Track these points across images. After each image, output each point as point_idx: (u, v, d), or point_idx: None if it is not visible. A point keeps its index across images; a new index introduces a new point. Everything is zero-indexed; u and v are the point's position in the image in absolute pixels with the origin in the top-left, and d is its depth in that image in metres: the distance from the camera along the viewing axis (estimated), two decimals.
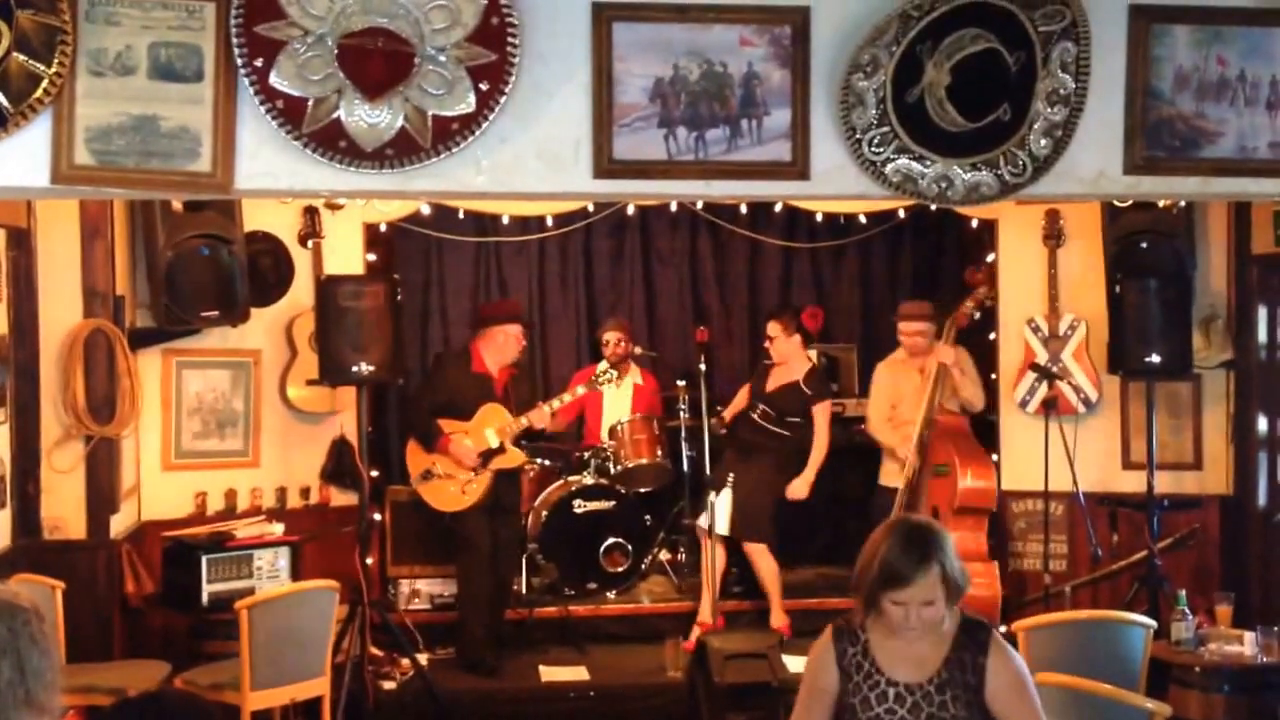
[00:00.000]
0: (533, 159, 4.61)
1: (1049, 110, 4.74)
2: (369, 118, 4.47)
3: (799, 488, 7.97)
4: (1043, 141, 4.77)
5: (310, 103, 4.44)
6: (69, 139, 4.36)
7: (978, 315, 7.89)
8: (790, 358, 8.03)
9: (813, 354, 8.54)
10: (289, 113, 4.43)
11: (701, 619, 7.90)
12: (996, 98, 4.72)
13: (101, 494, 6.81)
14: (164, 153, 4.43)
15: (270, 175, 4.52)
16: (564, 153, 4.62)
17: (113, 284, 6.86)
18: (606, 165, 4.63)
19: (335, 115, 4.45)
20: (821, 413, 8.01)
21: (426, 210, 8.32)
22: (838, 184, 4.76)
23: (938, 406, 7.70)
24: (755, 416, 8.04)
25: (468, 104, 4.50)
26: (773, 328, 8.08)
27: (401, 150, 4.50)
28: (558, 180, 4.65)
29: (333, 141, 4.46)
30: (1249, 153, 4.88)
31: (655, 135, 4.64)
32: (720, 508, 7.80)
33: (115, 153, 4.40)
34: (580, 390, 8.02)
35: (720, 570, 7.83)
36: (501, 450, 7.54)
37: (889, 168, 4.72)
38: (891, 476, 7.88)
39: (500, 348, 7.63)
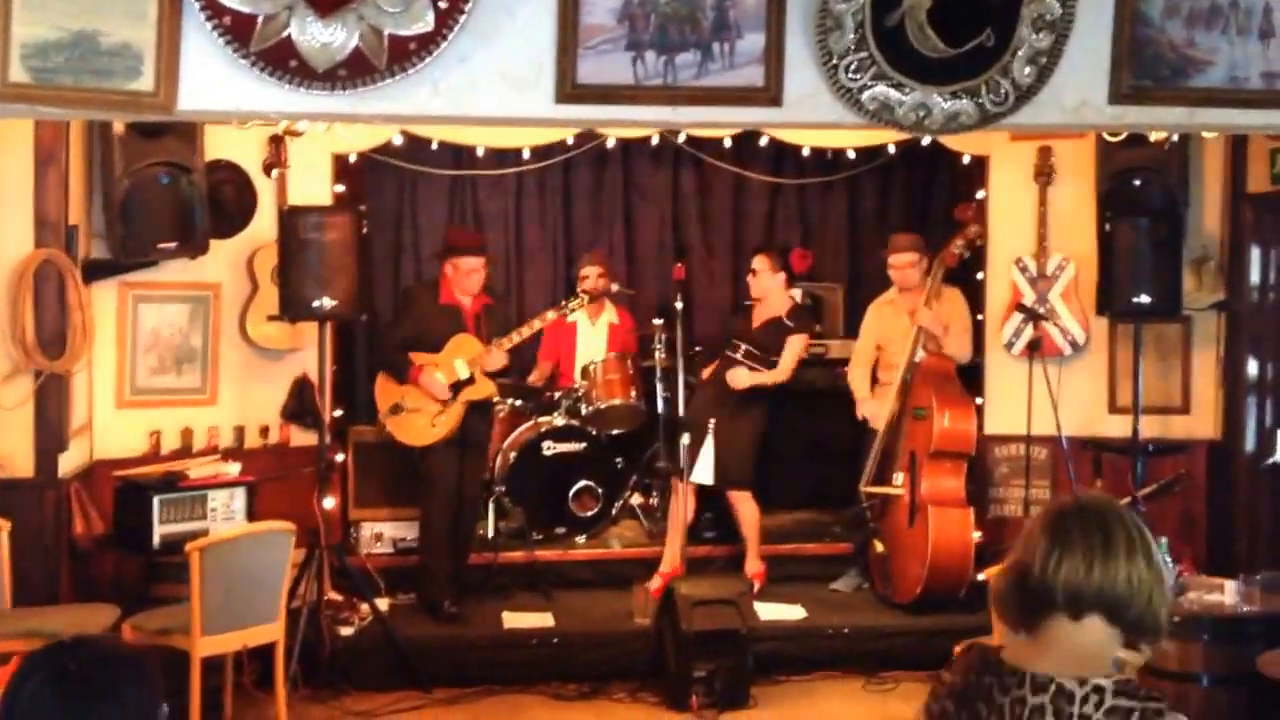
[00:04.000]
0: (492, 81, 4.43)
1: (1034, 36, 4.55)
2: (321, 36, 4.27)
3: (740, 377, 7.71)
4: (1027, 69, 4.57)
5: (259, 19, 4.25)
6: (3, 56, 4.15)
7: (967, 255, 7.70)
8: (770, 294, 7.83)
9: (796, 294, 8.34)
10: (236, 30, 4.24)
11: (664, 569, 7.74)
12: (980, 23, 4.52)
13: (50, 431, 6.59)
14: (104, 70, 4.23)
15: (216, 96, 4.34)
16: (525, 75, 4.43)
17: (65, 213, 6.62)
18: (570, 89, 4.44)
19: (286, 33, 4.26)
20: (795, 343, 7.78)
21: (399, 141, 8.05)
22: (811, 111, 4.58)
23: (923, 348, 7.55)
24: (738, 358, 7.80)
25: (425, 23, 4.31)
26: (759, 261, 7.87)
27: (355, 71, 4.30)
28: (518, 104, 4.46)
29: (283, 61, 4.27)
30: (1240, 83, 4.68)
31: (622, 59, 4.45)
32: (703, 456, 7.61)
33: (53, 70, 4.20)
34: (550, 315, 7.75)
35: (690, 518, 7.67)
36: (472, 381, 7.36)
37: (865, 95, 4.53)
38: (880, 420, 7.71)
39: (453, 278, 7.43)
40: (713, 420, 7.66)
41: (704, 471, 7.63)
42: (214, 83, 4.28)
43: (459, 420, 7.35)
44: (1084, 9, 4.53)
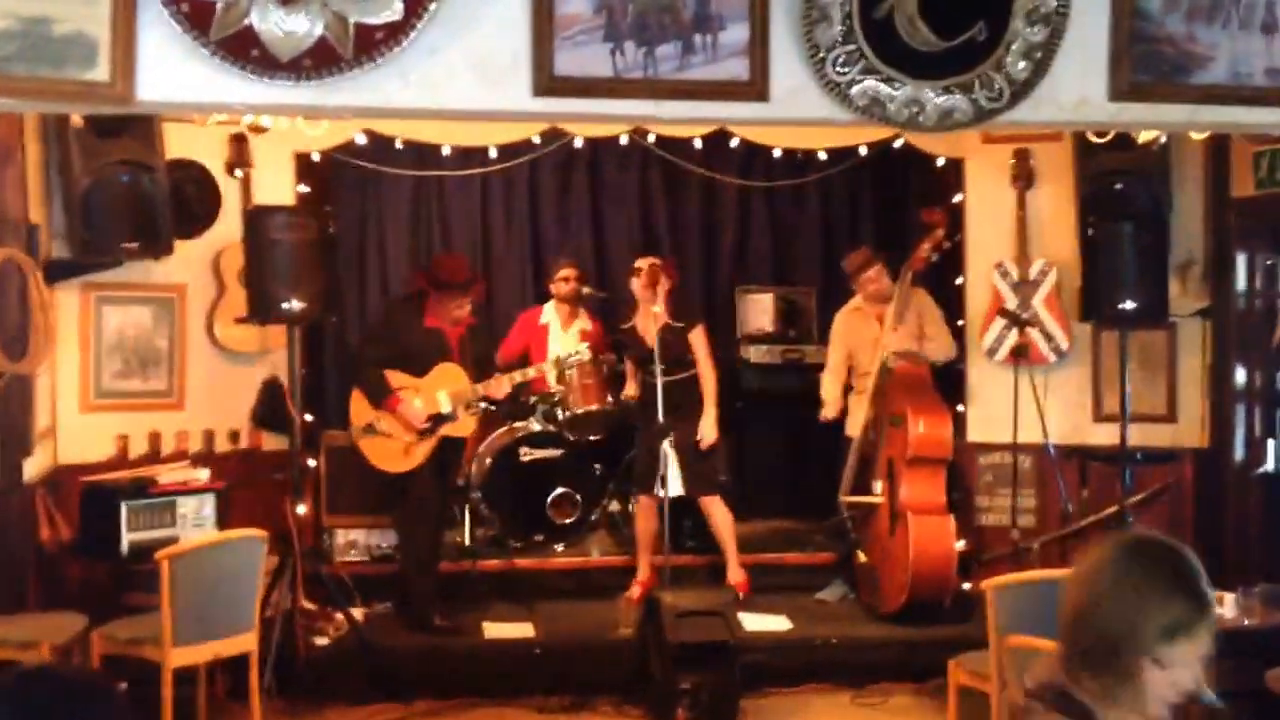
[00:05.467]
0: (465, 73, 4.28)
1: (1028, 30, 4.42)
2: (285, 24, 4.11)
3: (708, 431, 7.54)
4: (1021, 64, 4.44)
5: (219, 6, 4.10)
6: None
7: (935, 258, 7.55)
8: (646, 301, 7.57)
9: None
10: (196, 17, 4.08)
11: (640, 578, 7.63)
12: (971, 15, 4.39)
13: (14, 435, 6.41)
14: (57, 59, 4.05)
15: (175, 87, 4.18)
16: (500, 67, 4.28)
17: (26, 212, 6.44)
18: (547, 82, 4.29)
19: (247, 21, 4.11)
20: (698, 339, 7.60)
21: (362, 140, 7.86)
22: (799, 106, 4.43)
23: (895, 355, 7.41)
24: (660, 381, 7.37)
25: (394, 11, 4.16)
26: (651, 262, 7.66)
27: (320, 61, 4.14)
28: (493, 97, 4.31)
29: (244, 50, 4.11)
30: (1242, 79, 4.56)
31: (600, 50, 4.30)
32: (671, 468, 7.36)
33: (2, 58, 4.02)
34: (545, 368, 7.70)
35: (655, 527, 7.51)
36: (453, 417, 7.13)
37: (855, 90, 4.39)
38: (857, 427, 7.57)
39: (442, 311, 7.19)
40: (672, 434, 7.37)
41: (674, 483, 7.40)
42: (173, 73, 4.13)
43: (432, 451, 7.12)
44: (1079, 2, 4.41)
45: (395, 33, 4.14)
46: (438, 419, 7.08)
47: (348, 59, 4.12)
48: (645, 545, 7.65)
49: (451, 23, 4.19)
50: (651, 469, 7.38)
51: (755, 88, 4.36)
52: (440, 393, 7.08)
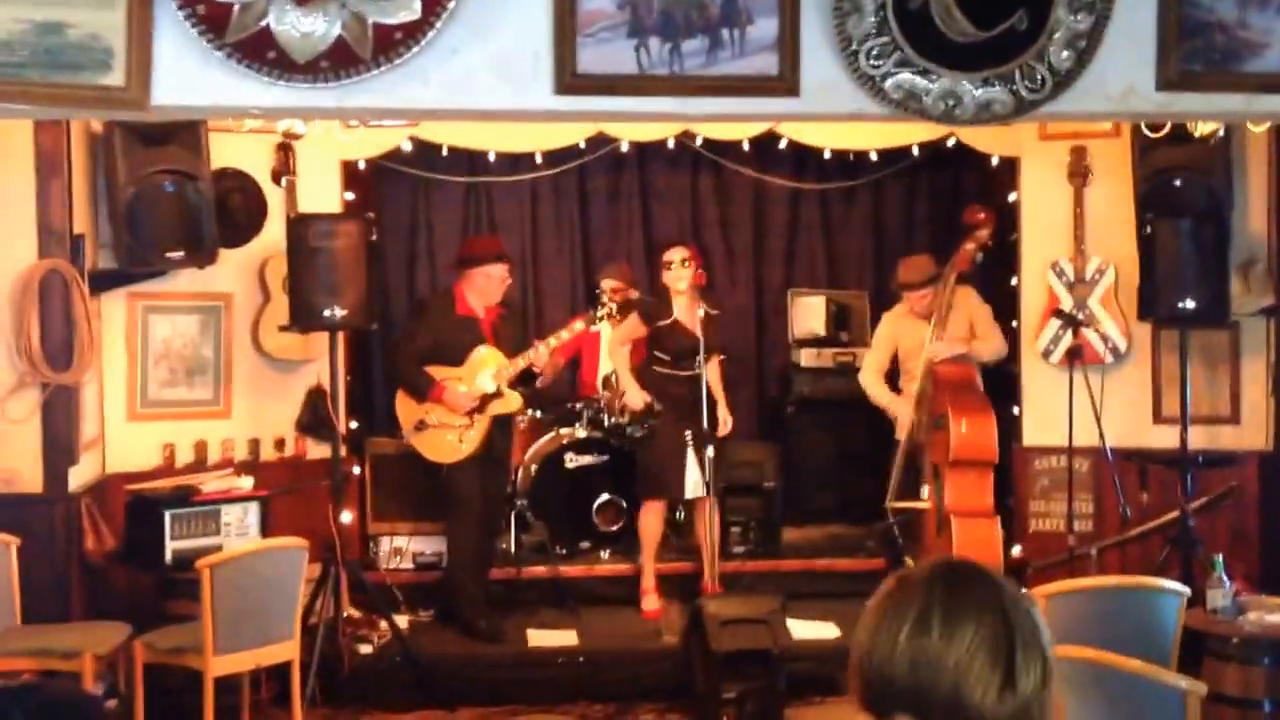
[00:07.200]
0: (486, 73, 4.19)
1: (1071, 18, 4.26)
2: (301, 25, 4.04)
3: (728, 417, 7.58)
4: (1064, 53, 4.28)
5: (235, 8, 4.03)
6: None
7: (980, 257, 7.37)
8: (682, 290, 7.46)
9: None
10: (211, 20, 4.02)
11: (649, 585, 7.59)
12: (1011, 4, 4.23)
13: (59, 445, 6.46)
14: (72, 64, 4.00)
15: (191, 91, 4.12)
16: (521, 65, 4.19)
17: (70, 222, 6.47)
18: (569, 80, 4.19)
19: (264, 23, 4.03)
20: (713, 370, 7.54)
21: (408, 147, 7.87)
22: (831, 101, 4.31)
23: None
24: (660, 370, 7.52)
25: (413, 10, 4.07)
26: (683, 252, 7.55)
27: (338, 62, 4.06)
28: (514, 96, 4.22)
29: (260, 52, 4.04)
30: None
31: (624, 46, 4.19)
32: (690, 470, 7.35)
33: (17, 64, 3.98)
34: (578, 326, 7.51)
35: (658, 534, 7.57)
36: (498, 394, 7.12)
37: (889, 83, 4.25)
38: (905, 431, 7.41)
39: (483, 290, 7.20)
40: (650, 423, 7.40)
41: (692, 485, 7.36)
42: (189, 77, 4.07)
43: (485, 436, 7.13)
44: None
45: (414, 32, 4.05)
46: (484, 399, 7.09)
47: (366, 60, 4.05)
48: (651, 551, 7.57)
49: (471, 21, 4.11)
50: (677, 470, 7.33)
51: (785, 83, 4.24)
52: (481, 374, 7.10)
